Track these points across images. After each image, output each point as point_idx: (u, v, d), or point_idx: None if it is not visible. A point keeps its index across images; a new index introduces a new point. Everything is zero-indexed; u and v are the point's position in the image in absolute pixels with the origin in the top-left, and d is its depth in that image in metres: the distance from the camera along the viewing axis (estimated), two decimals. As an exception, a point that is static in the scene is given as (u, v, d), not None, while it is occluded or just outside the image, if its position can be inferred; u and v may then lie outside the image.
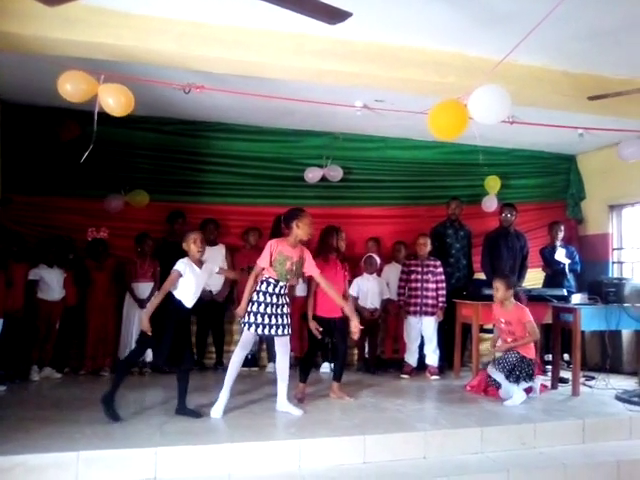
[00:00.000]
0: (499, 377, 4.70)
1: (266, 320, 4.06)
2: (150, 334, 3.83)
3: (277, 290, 4.12)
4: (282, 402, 4.18)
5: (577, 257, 6.52)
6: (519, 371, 4.64)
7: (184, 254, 4.09)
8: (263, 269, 4.12)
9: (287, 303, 4.22)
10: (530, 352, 4.73)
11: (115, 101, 3.73)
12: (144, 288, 5.56)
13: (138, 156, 6.10)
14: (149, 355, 5.44)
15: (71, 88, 3.69)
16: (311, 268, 4.25)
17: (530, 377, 4.68)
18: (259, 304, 4.07)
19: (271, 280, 4.10)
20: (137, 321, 5.34)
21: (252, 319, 4.05)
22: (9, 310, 4.76)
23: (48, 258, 5.25)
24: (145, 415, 3.99)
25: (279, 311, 4.12)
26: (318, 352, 5.58)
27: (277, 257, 4.07)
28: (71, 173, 5.59)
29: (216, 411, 4.00)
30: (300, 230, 4.13)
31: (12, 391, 4.66)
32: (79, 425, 3.65)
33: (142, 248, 5.63)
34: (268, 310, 4.07)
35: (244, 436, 3.57)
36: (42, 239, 5.40)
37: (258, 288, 4.11)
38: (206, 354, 6.03)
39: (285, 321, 4.15)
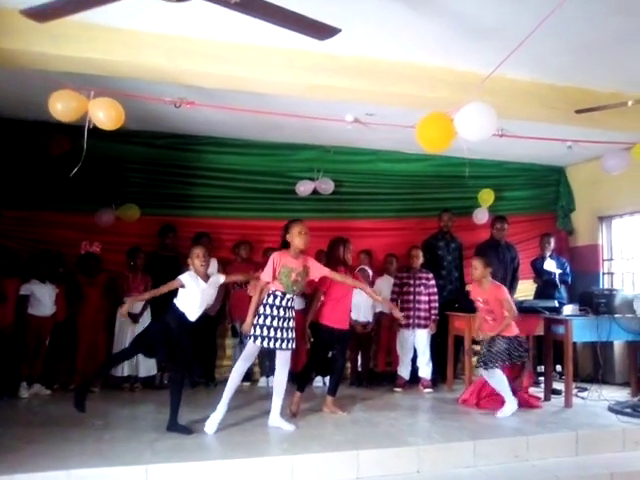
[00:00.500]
0: (498, 381, 4.67)
1: (272, 333, 4.05)
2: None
3: (284, 303, 4.12)
4: (275, 417, 4.15)
5: (568, 268, 6.55)
6: (515, 351, 4.63)
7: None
8: (268, 283, 4.12)
9: (293, 317, 4.22)
10: (513, 331, 4.71)
11: (105, 115, 3.72)
12: (137, 303, 5.52)
13: (129, 170, 6.10)
14: (141, 370, 5.45)
15: (62, 107, 3.69)
16: (319, 270, 4.28)
17: (526, 352, 4.74)
18: (265, 317, 4.06)
19: (278, 293, 4.10)
20: (130, 336, 5.30)
21: (258, 332, 4.04)
22: (0, 326, 4.72)
23: (41, 273, 5.20)
24: (136, 432, 3.94)
25: (285, 324, 4.12)
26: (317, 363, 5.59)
27: (281, 270, 4.08)
28: (61, 187, 5.57)
29: (210, 426, 3.94)
30: (295, 241, 4.14)
31: (0, 408, 4.58)
32: (69, 443, 3.60)
33: (135, 262, 5.60)
34: (275, 323, 4.06)
35: (236, 452, 3.53)
36: (34, 254, 5.36)
37: (265, 301, 4.11)
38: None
39: (290, 335, 4.14)
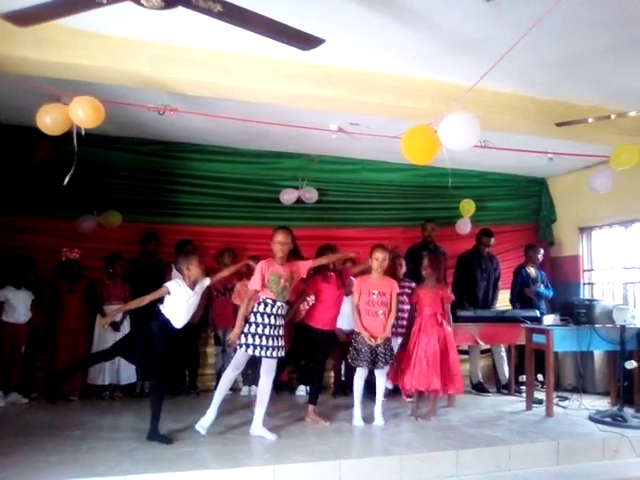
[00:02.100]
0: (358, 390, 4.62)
1: (263, 341, 4.05)
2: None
3: (275, 311, 4.12)
4: (257, 426, 4.12)
5: (547, 282, 6.59)
6: (386, 353, 4.56)
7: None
8: (257, 292, 4.11)
9: (282, 325, 4.22)
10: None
11: (84, 113, 3.64)
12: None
13: (112, 176, 6.04)
14: (122, 378, 5.38)
15: (50, 121, 3.66)
16: (305, 266, 4.38)
17: (391, 358, 4.64)
18: (257, 325, 4.06)
19: (268, 301, 4.10)
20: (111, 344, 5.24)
21: (250, 340, 4.04)
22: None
23: (16, 279, 5.13)
24: (115, 441, 3.87)
25: (275, 332, 4.11)
26: (292, 364, 5.63)
27: (270, 277, 4.09)
28: (42, 193, 5.51)
29: (201, 425, 4.06)
30: (274, 247, 4.18)
31: (-25, 418, 4.51)
32: (45, 453, 3.54)
33: (114, 269, 5.53)
34: (266, 331, 4.06)
35: (217, 462, 3.50)
36: (9, 260, 5.28)
37: (255, 309, 4.10)
38: (185, 378, 5.92)
39: (280, 343, 4.14)
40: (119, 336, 5.17)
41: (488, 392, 6.10)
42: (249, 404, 4.28)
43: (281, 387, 5.77)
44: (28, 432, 4.07)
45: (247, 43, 3.66)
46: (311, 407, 4.61)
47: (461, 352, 6.22)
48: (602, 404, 5.46)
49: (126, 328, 5.42)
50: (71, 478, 3.13)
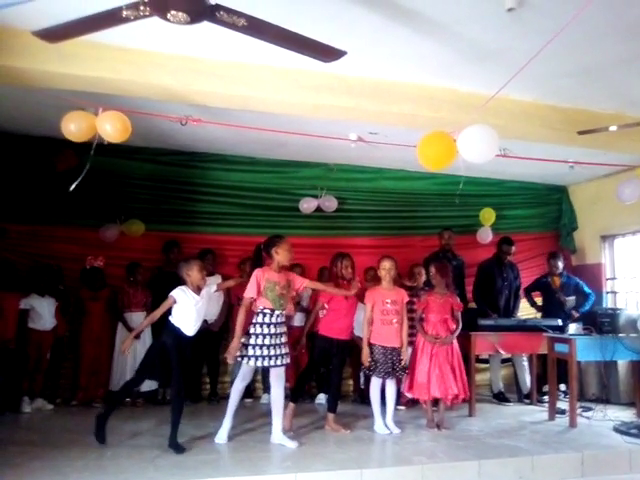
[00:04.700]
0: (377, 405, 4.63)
1: (265, 352, 4.04)
2: (126, 353, 4.06)
3: (274, 320, 4.10)
4: (277, 434, 4.13)
5: (584, 288, 6.39)
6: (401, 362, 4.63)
7: (180, 283, 4.09)
8: (253, 300, 4.11)
9: (285, 332, 4.22)
10: None
11: (112, 127, 3.78)
12: (138, 318, 5.49)
13: (134, 186, 6.15)
14: (144, 385, 5.41)
15: (75, 128, 3.79)
16: (300, 281, 4.37)
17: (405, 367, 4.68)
18: (257, 336, 4.05)
19: (266, 310, 4.09)
20: (133, 352, 5.29)
21: (251, 352, 4.03)
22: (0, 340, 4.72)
23: (40, 287, 5.23)
24: (138, 447, 3.92)
25: (277, 341, 4.11)
26: (313, 375, 5.61)
27: (266, 285, 4.09)
28: (67, 202, 5.61)
29: (220, 437, 4.12)
30: (280, 256, 4.18)
31: (1, 423, 4.58)
32: (70, 459, 3.59)
33: (134, 277, 5.62)
34: (267, 341, 4.05)
35: (238, 470, 3.51)
36: (34, 267, 5.39)
37: (254, 320, 4.10)
38: (201, 385, 5.97)
39: (283, 351, 4.14)
40: (139, 343, 5.28)
41: (509, 401, 6.03)
42: (270, 412, 4.29)
43: (301, 395, 5.77)
44: (54, 437, 4.14)
45: (268, 55, 3.72)
46: (331, 415, 4.62)
47: (481, 361, 6.17)
48: (627, 415, 5.35)
49: (147, 335, 5.47)
50: (96, 484, 3.18)
